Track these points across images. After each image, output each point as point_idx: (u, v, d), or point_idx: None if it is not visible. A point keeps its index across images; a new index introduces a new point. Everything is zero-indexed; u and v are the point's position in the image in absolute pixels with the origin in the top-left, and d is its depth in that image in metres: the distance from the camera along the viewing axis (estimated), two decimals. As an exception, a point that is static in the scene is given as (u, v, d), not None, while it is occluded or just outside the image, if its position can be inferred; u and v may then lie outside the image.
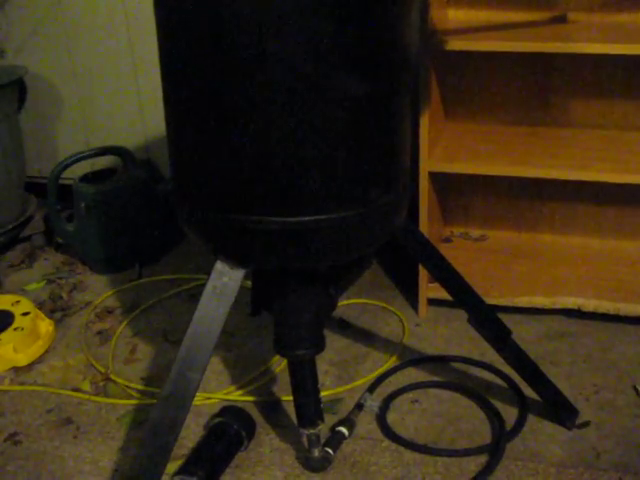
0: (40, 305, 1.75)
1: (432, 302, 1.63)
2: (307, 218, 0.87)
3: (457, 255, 1.70)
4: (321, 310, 1.12)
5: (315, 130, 0.84)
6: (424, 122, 1.45)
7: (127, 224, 1.90)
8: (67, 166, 1.89)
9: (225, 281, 0.93)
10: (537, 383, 1.29)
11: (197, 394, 1.40)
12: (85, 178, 1.93)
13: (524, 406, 1.34)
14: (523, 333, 1.54)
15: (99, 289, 1.85)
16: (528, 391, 1.34)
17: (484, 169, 1.48)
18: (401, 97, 0.95)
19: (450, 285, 1.24)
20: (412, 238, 1.16)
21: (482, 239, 1.79)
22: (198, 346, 0.92)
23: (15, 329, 1.59)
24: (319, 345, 1.13)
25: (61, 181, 1.91)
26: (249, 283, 1.24)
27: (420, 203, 1.53)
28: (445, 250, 1.70)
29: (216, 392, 1.43)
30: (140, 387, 1.46)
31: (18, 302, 1.68)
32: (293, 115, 0.83)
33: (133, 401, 1.42)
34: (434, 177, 1.54)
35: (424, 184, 1.51)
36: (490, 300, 1.51)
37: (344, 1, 0.80)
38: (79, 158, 1.90)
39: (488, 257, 1.72)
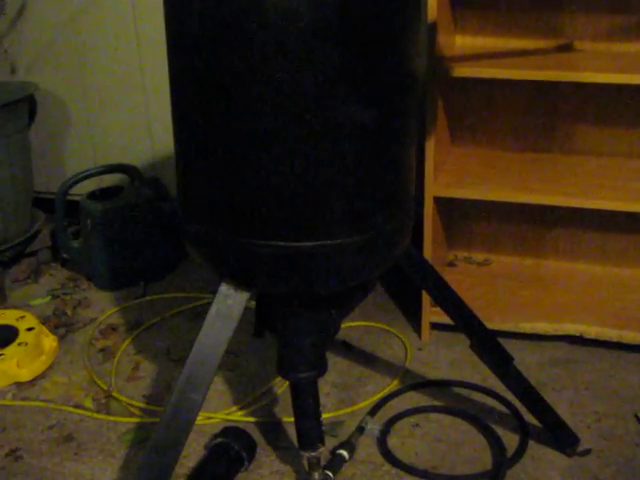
0: (44, 320, 1.76)
1: (435, 326, 1.64)
2: (312, 243, 0.88)
3: (460, 279, 1.71)
4: (324, 333, 1.12)
5: (322, 157, 0.85)
6: (430, 147, 1.46)
7: (133, 242, 1.91)
8: (75, 183, 1.91)
9: (229, 303, 0.94)
10: (538, 410, 1.29)
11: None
12: (92, 195, 1.94)
13: (525, 433, 1.34)
14: (525, 359, 1.54)
15: (103, 306, 1.86)
16: (529, 417, 1.34)
17: (489, 195, 1.49)
18: (408, 123, 0.96)
19: (452, 310, 1.25)
20: (414, 263, 1.17)
21: (486, 263, 1.79)
22: (201, 368, 0.93)
23: (19, 344, 1.60)
24: (321, 368, 1.13)
25: (69, 197, 1.92)
26: (253, 304, 1.25)
27: (425, 227, 1.54)
28: (449, 274, 1.71)
29: (218, 412, 1.43)
30: (142, 405, 1.47)
31: (23, 317, 1.68)
32: (300, 142, 0.84)
33: (135, 419, 1.43)
34: (439, 202, 1.55)
35: (429, 209, 1.52)
36: (493, 325, 1.51)
37: (349, 28, 0.82)
38: (87, 175, 1.92)
39: (491, 282, 1.73)
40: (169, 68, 0.94)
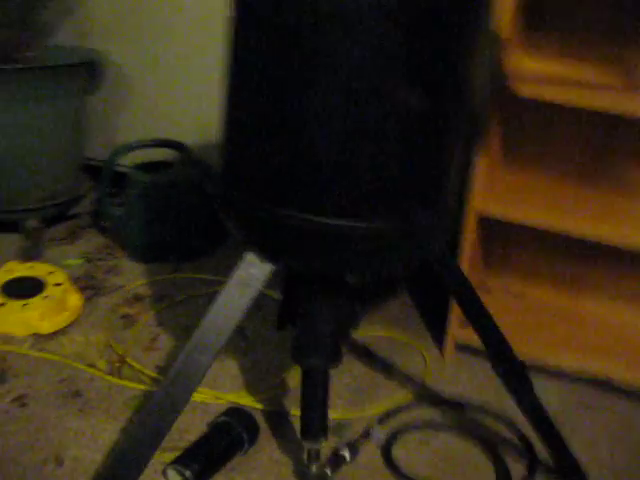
0: (74, 281, 1.77)
1: (459, 347, 1.60)
2: (343, 222, 0.87)
3: (493, 306, 1.66)
4: (343, 324, 1.11)
5: (368, 135, 0.84)
6: (481, 163, 1.44)
7: (173, 218, 1.92)
8: (125, 152, 1.93)
9: (252, 272, 0.93)
10: (552, 444, 1.25)
11: (208, 392, 1.40)
12: (140, 166, 1.96)
13: (534, 466, 1.29)
14: (547, 396, 1.49)
15: (133, 276, 1.87)
16: (541, 453, 1.29)
17: (533, 220, 1.46)
18: (457, 124, 0.94)
19: (479, 324, 1.22)
20: (449, 271, 1.15)
21: (521, 294, 1.75)
22: (214, 331, 0.92)
23: (45, 297, 1.61)
24: (335, 358, 1.12)
25: (120, 169, 1.94)
26: (279, 296, 1.24)
27: (463, 245, 1.51)
28: (484, 299, 1.67)
29: (227, 394, 1.42)
30: (154, 374, 1.46)
31: (52, 273, 1.70)
32: (349, 116, 0.83)
33: (144, 386, 1.42)
34: (482, 221, 1.52)
35: (470, 226, 1.49)
36: (520, 357, 1.46)
37: (413, 10, 0.81)
38: (137, 146, 1.94)
39: (524, 313, 1.68)
40: (229, 31, 0.94)
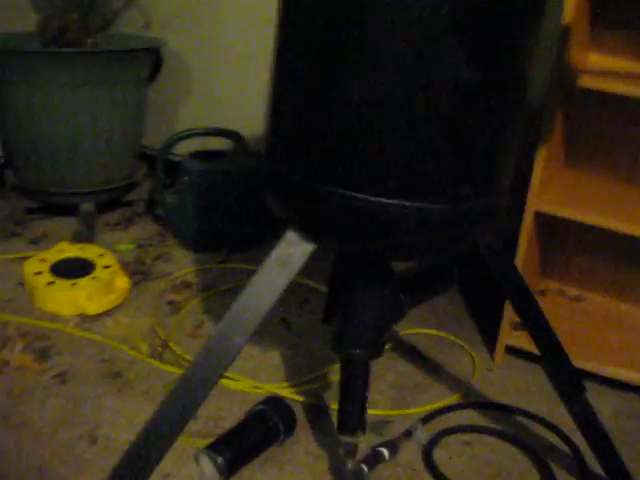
0: (124, 265, 1.77)
1: (510, 350, 1.54)
2: (389, 201, 0.83)
3: (548, 310, 1.59)
4: (386, 314, 1.06)
5: (419, 107, 0.79)
6: (540, 157, 1.38)
7: (225, 207, 1.91)
8: (180, 139, 1.93)
9: (292, 251, 0.89)
10: (604, 453, 1.17)
11: (246, 381, 1.38)
12: (194, 155, 1.96)
13: (584, 476, 1.22)
14: (600, 405, 1.42)
15: (183, 263, 1.86)
16: (591, 462, 1.22)
17: (594, 220, 1.39)
18: (511, 105, 0.89)
19: (530, 320, 1.15)
20: (504, 268, 1.09)
21: (578, 299, 1.68)
22: (249, 310, 0.89)
23: (93, 278, 1.61)
24: (377, 350, 1.07)
25: (173, 157, 1.95)
26: (325, 289, 1.20)
27: (520, 243, 1.45)
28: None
29: (267, 384, 1.39)
30: (194, 361, 1.45)
31: (102, 255, 1.71)
32: (399, 86, 0.79)
33: (182, 372, 1.41)
34: (539, 219, 1.46)
35: (527, 223, 1.43)
36: (573, 362, 1.39)
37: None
38: (192, 134, 1.94)
39: (581, 319, 1.61)
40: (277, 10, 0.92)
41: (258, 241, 1.99)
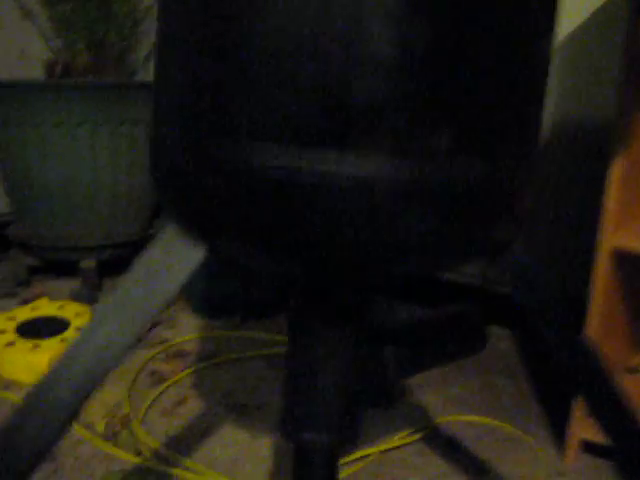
0: (114, 328, 1.48)
1: (588, 447, 1.12)
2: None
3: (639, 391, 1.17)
4: (356, 375, 0.70)
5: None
6: (614, 177, 1.00)
7: (240, 270, 1.61)
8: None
9: (170, 260, 0.57)
10: None
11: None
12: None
13: None
14: None
15: (186, 330, 1.56)
16: None
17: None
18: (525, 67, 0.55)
19: (606, 418, 0.75)
20: (561, 335, 0.71)
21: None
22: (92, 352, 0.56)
23: (61, 340, 1.33)
24: (343, 432, 0.70)
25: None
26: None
27: (591, 297, 1.05)
28: (626, 383, 1.19)
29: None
30: (156, 446, 1.11)
31: (80, 314, 1.43)
32: None
33: (136, 460, 1.07)
34: (620, 260, 1.06)
35: (603, 266, 1.03)
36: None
37: None
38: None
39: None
40: None
41: (276, 308, 1.67)
